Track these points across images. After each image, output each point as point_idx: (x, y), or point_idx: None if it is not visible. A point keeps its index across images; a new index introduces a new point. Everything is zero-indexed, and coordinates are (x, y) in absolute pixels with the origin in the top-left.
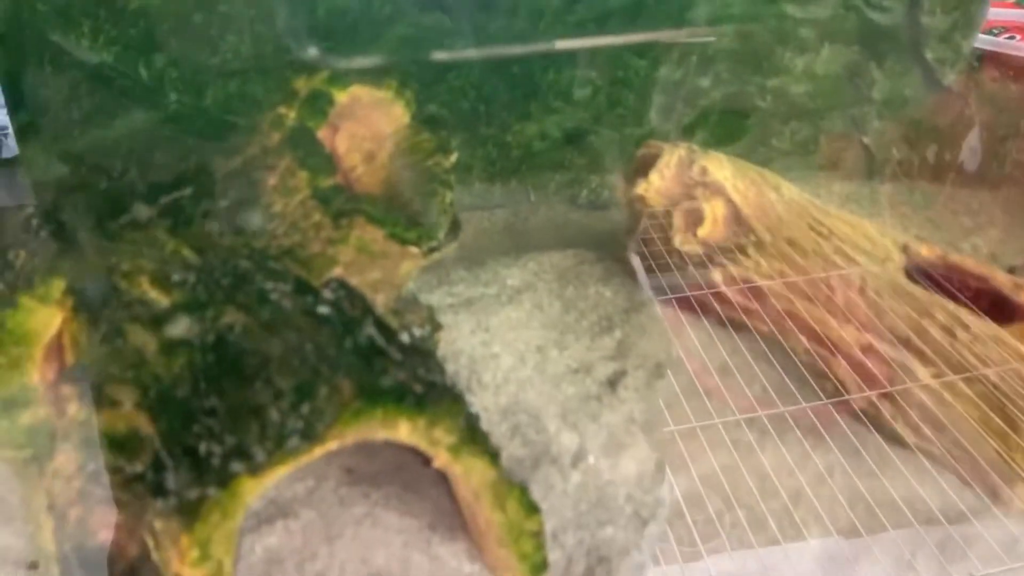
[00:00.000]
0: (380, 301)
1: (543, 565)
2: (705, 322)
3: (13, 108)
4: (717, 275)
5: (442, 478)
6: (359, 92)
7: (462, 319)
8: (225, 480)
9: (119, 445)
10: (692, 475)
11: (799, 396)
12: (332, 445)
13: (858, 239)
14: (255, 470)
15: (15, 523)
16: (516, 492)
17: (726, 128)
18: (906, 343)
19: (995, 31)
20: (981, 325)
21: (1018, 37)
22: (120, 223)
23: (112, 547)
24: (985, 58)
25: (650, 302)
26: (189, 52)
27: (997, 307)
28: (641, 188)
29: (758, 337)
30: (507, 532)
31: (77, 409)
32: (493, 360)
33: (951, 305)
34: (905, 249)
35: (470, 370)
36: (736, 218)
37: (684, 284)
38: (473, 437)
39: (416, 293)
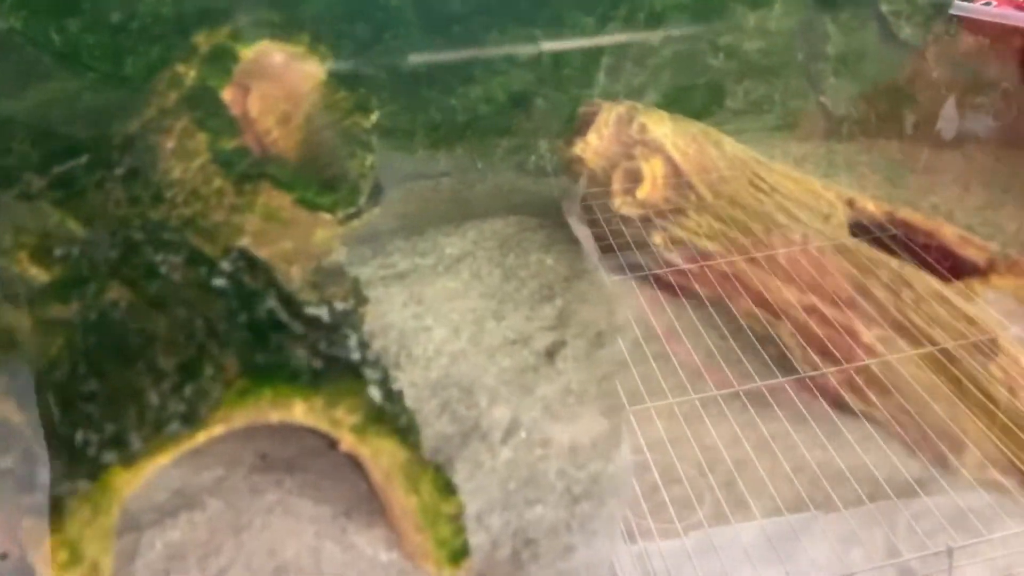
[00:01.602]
0: (295, 273)
1: (463, 550)
2: (654, 287)
3: None
4: (658, 238)
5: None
6: (268, 48)
7: (394, 292)
8: (96, 473)
9: None
10: (639, 446)
11: (746, 363)
12: (218, 430)
13: (801, 195)
14: (130, 460)
15: None
16: (430, 473)
17: (677, 89)
18: (850, 304)
19: None
20: (926, 284)
21: (994, 2)
22: (9, 196)
23: None
24: (961, 23)
25: (593, 269)
26: (105, 16)
27: (946, 262)
28: (579, 148)
29: (706, 301)
30: (423, 516)
31: None
32: (425, 333)
33: (895, 263)
34: (851, 204)
35: (399, 344)
36: (676, 177)
37: (627, 251)
38: (380, 416)
39: (345, 266)
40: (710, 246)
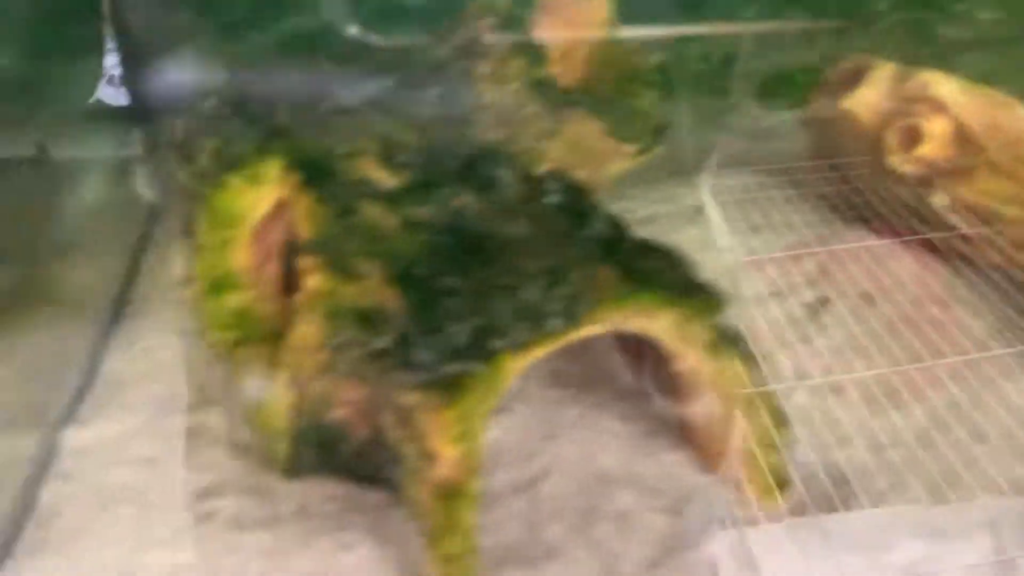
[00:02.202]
0: None
1: (786, 481)
2: (924, 252)
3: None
4: (940, 199)
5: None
6: None
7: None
8: (488, 356)
9: (366, 318)
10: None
11: None
12: (590, 330)
13: None
14: (518, 348)
15: (219, 406)
16: (768, 400)
17: (904, 56)
18: None
19: None
20: None
21: None
22: (324, 110)
23: (346, 424)
24: None
25: (852, 229)
26: None
27: None
28: (849, 102)
29: (990, 270)
30: (756, 442)
31: (320, 281)
32: None
33: None
34: None
35: None
36: (962, 137)
37: (896, 210)
38: (729, 337)
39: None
40: (1004, 209)
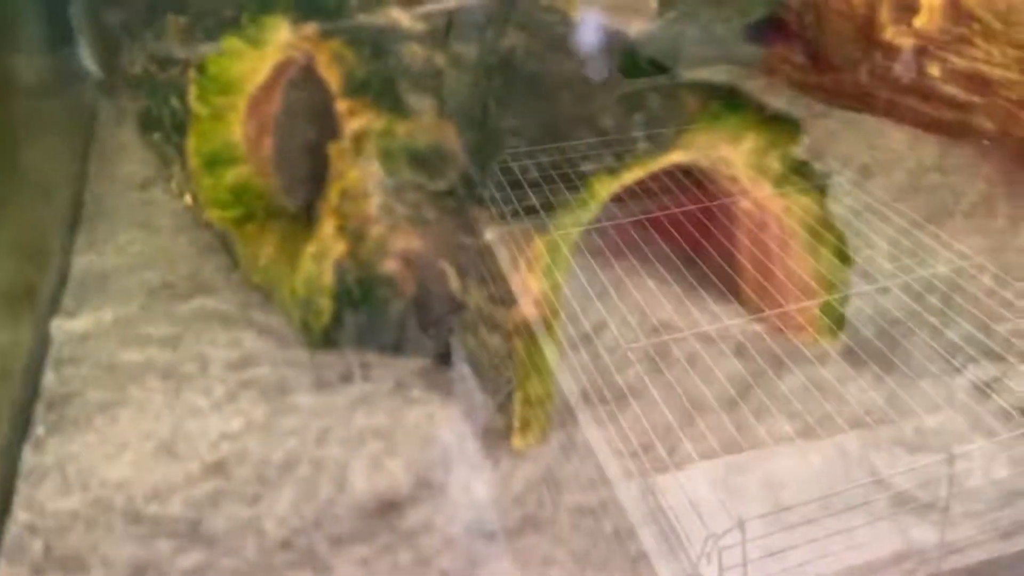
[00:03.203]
0: None
1: (842, 321)
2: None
3: None
4: (935, 70)
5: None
6: None
7: None
8: (577, 181)
9: (423, 159)
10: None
11: None
12: (678, 157)
13: None
14: (611, 171)
15: (220, 292)
16: (835, 238)
17: None
18: None
19: None
20: None
21: None
22: None
23: (399, 277)
24: None
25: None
26: None
27: None
28: None
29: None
30: (816, 280)
31: (370, 119)
32: None
33: None
34: None
35: None
36: (955, 7)
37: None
38: (803, 170)
39: None
40: (1001, 74)
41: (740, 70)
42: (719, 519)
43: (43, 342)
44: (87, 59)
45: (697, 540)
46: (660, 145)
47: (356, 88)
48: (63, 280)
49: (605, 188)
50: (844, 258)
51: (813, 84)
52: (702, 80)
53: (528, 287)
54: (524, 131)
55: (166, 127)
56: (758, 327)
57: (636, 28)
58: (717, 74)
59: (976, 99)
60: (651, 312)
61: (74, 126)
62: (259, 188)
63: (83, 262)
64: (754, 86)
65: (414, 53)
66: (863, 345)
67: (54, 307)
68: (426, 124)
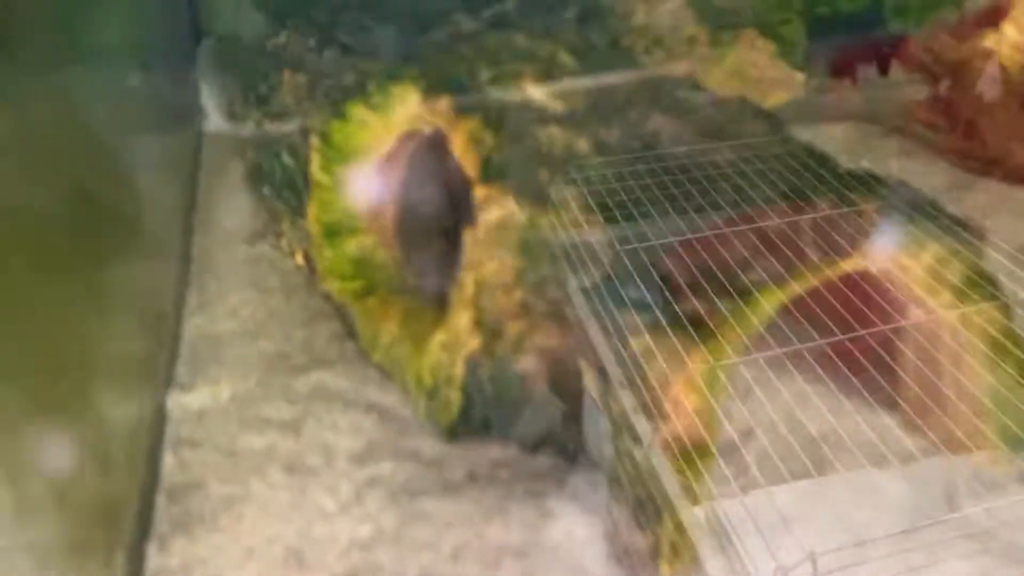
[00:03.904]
0: None
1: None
2: None
3: None
4: None
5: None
6: None
7: None
8: (738, 294)
9: (566, 253)
10: None
11: None
12: (851, 264)
13: None
14: (774, 283)
15: (336, 365)
16: (1016, 354)
17: None
18: None
19: None
20: None
21: None
22: (438, 35)
23: (534, 374)
24: None
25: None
26: None
27: None
28: (991, 41)
29: None
30: (992, 399)
31: (510, 209)
32: None
33: None
34: None
35: None
36: None
37: None
38: (985, 279)
39: None
40: None
41: (872, 127)
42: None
43: (161, 419)
44: (207, 102)
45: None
46: (836, 253)
47: (495, 174)
48: (175, 346)
49: (768, 302)
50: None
51: (955, 149)
52: (870, 174)
53: (681, 404)
54: (673, 226)
55: (276, 182)
56: (923, 443)
57: (782, 99)
58: (848, 131)
59: None
60: (801, 421)
61: (181, 172)
62: (381, 260)
63: (195, 325)
64: (888, 147)
65: (553, 137)
66: None
67: (169, 378)
68: (570, 216)
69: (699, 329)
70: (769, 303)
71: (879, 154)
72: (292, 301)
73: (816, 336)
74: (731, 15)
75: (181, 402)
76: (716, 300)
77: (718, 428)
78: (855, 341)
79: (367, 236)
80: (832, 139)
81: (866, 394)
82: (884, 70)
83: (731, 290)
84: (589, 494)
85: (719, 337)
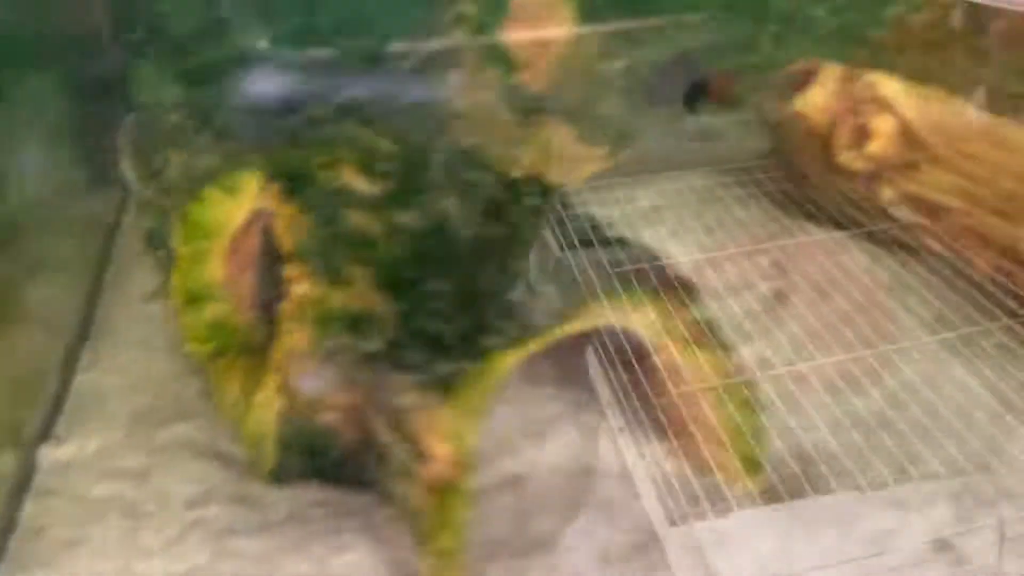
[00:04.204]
0: None
1: (760, 465)
2: (868, 242)
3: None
4: (887, 192)
5: (628, 384)
6: None
7: None
8: (480, 355)
9: (355, 323)
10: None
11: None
12: (579, 326)
13: None
14: (510, 346)
15: (197, 418)
16: (742, 387)
17: (840, 59)
18: None
19: None
20: None
21: None
22: (293, 122)
23: (334, 428)
24: None
25: (803, 224)
26: None
27: None
28: (799, 104)
29: (935, 256)
30: (727, 429)
31: (308, 288)
32: None
33: None
34: None
35: None
36: (908, 134)
37: (845, 205)
38: (708, 329)
39: None
40: (947, 201)
41: (721, 176)
42: None
43: (30, 471)
44: (127, 170)
45: None
46: (560, 317)
47: (302, 255)
48: (59, 403)
49: (506, 362)
50: (750, 409)
51: (789, 197)
52: (622, 241)
53: (434, 449)
54: (446, 298)
55: (168, 247)
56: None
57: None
58: (696, 178)
59: (926, 222)
60: (579, 454)
61: (97, 234)
62: (234, 325)
63: (85, 381)
64: (733, 195)
65: (358, 221)
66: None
67: (46, 433)
68: (359, 292)
69: (449, 385)
70: (507, 362)
71: (725, 203)
72: (173, 358)
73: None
74: (537, 101)
75: (52, 455)
76: (464, 362)
77: (471, 468)
78: None
79: (222, 303)
80: (675, 191)
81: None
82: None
83: (475, 353)
84: (386, 527)
85: (470, 390)
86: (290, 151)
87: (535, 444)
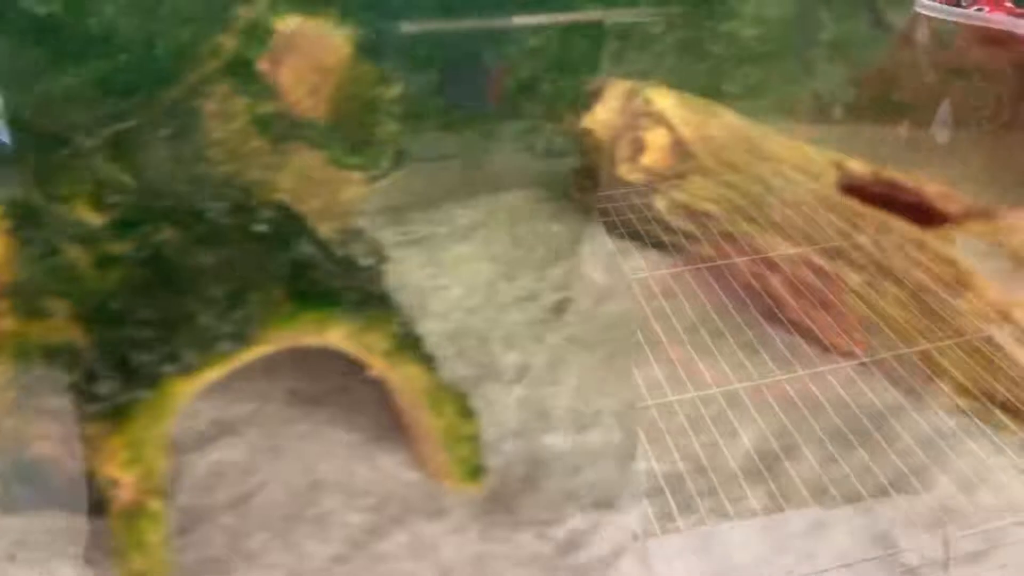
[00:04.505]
0: (323, 231)
1: (480, 469)
2: (652, 250)
3: None
4: (661, 203)
5: (386, 395)
6: (299, 23)
7: (412, 254)
8: (155, 382)
9: (53, 355)
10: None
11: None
12: (265, 349)
13: (795, 159)
14: (185, 371)
15: None
16: (452, 397)
17: (679, 74)
18: (838, 252)
19: (964, 2)
20: (907, 230)
21: (986, 9)
22: (62, 154)
23: (50, 457)
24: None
25: (599, 234)
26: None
27: (926, 215)
28: (587, 121)
29: (705, 261)
30: (445, 436)
31: (8, 324)
32: (442, 291)
33: (879, 215)
34: (839, 166)
35: (418, 300)
36: (679, 146)
37: (631, 215)
38: (407, 343)
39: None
40: (712, 208)
41: (544, 192)
42: None
43: None
44: None
45: None
46: (244, 341)
47: (8, 292)
48: None
49: (184, 388)
50: (467, 413)
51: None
52: (344, 260)
53: (116, 476)
54: (146, 327)
55: None
56: (413, 477)
57: (345, 203)
58: (519, 200)
59: (695, 230)
60: (313, 469)
61: None
62: None
63: None
64: (546, 209)
65: (74, 254)
66: None
67: None
68: (59, 324)
69: (121, 414)
70: (183, 389)
71: (541, 219)
72: None
73: None
74: (293, 127)
75: None
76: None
77: (159, 491)
78: None
79: None
80: (490, 211)
81: None
82: None
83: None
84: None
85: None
86: (34, 186)
87: (272, 463)
